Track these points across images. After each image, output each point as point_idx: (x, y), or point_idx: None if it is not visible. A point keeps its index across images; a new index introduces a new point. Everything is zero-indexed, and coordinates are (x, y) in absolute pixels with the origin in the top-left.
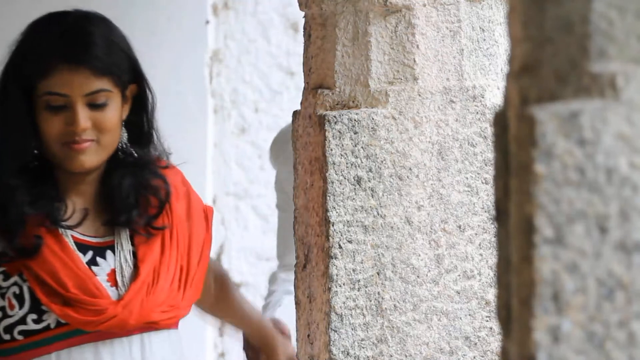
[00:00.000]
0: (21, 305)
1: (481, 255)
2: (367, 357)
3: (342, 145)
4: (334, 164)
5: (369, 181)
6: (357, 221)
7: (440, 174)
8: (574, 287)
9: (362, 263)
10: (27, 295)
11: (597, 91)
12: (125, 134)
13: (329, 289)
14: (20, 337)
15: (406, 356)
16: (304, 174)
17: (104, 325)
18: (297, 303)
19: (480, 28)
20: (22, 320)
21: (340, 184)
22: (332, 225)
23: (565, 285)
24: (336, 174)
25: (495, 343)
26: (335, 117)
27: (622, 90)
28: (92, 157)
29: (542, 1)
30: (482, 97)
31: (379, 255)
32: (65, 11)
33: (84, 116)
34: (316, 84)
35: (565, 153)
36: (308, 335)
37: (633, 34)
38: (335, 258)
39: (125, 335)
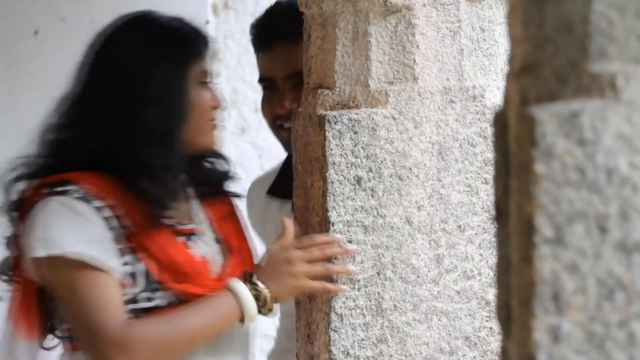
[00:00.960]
0: (135, 284)
1: (481, 255)
2: (367, 357)
3: (342, 145)
4: (334, 164)
5: (369, 181)
6: (357, 221)
7: (440, 174)
8: (574, 287)
9: (362, 263)
10: (141, 274)
11: (597, 91)
12: None
13: None
14: (129, 316)
15: (406, 356)
16: (304, 174)
17: None
18: (297, 303)
19: (480, 28)
20: (134, 299)
21: (340, 184)
22: (332, 225)
23: (565, 285)
24: (336, 174)
25: (495, 343)
26: (335, 117)
27: (622, 90)
28: None
29: (542, 1)
30: (482, 97)
31: (379, 255)
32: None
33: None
34: (316, 84)
35: (565, 153)
36: (308, 335)
37: (633, 34)
38: (336, 258)
39: None
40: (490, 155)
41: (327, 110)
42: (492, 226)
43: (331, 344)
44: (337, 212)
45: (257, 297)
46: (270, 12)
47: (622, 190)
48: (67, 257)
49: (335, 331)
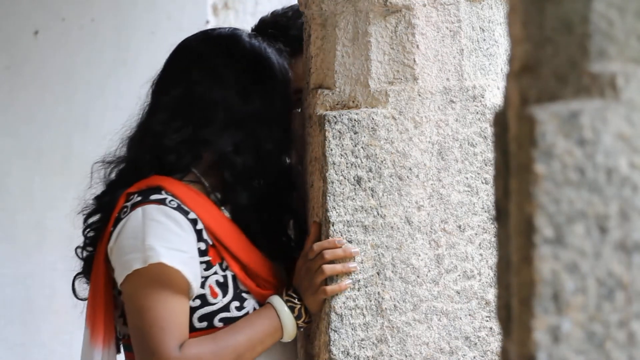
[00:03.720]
0: (225, 293)
1: (481, 255)
2: (367, 357)
3: (342, 145)
4: (334, 164)
5: (369, 181)
6: (357, 221)
7: (440, 174)
8: (574, 287)
9: (362, 263)
10: (230, 283)
11: (597, 91)
12: None
13: None
14: (220, 325)
15: (406, 356)
16: (304, 174)
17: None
18: None
19: (480, 28)
20: (226, 308)
21: (340, 184)
22: (332, 225)
23: (565, 285)
24: (336, 174)
25: (495, 343)
26: (335, 117)
27: (622, 90)
28: None
29: (542, 1)
30: (482, 97)
31: (379, 255)
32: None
33: None
34: (316, 84)
35: (565, 153)
36: (308, 335)
37: (633, 34)
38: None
39: None
40: (490, 155)
41: (327, 110)
42: (492, 226)
43: (331, 344)
44: (337, 212)
45: (292, 309)
46: (261, 28)
47: (622, 190)
48: (153, 268)
49: (335, 331)
